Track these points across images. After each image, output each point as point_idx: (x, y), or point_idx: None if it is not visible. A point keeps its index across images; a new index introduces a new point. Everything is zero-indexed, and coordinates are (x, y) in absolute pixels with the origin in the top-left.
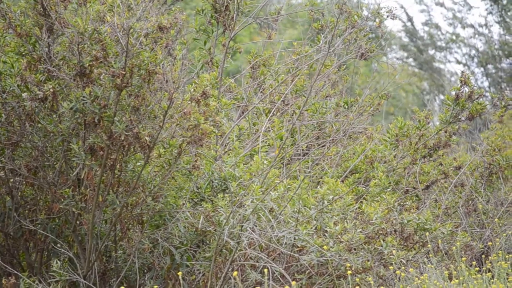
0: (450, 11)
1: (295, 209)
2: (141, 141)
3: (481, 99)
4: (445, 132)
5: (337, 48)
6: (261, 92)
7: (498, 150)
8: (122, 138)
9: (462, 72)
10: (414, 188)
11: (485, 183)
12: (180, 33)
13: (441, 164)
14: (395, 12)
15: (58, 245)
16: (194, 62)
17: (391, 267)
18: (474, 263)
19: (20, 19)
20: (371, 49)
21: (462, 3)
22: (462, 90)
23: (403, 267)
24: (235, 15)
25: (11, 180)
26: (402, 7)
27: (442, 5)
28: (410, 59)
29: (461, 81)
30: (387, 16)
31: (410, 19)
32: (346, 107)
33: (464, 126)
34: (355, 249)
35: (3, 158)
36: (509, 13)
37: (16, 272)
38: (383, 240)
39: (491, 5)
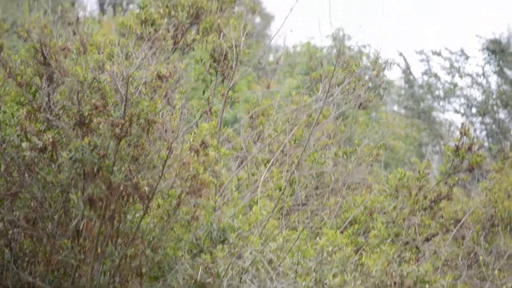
0: (447, 60)
1: (294, 260)
2: (140, 191)
3: (480, 151)
4: (445, 183)
5: (335, 98)
6: (260, 141)
7: (501, 201)
8: (121, 188)
9: (462, 123)
10: (414, 239)
11: (486, 235)
12: (179, 82)
13: (442, 217)
14: (394, 61)
15: None
16: (193, 112)
17: None
18: None
19: (21, 68)
20: (370, 98)
21: (459, 53)
22: (462, 142)
23: None
24: (234, 64)
25: (10, 231)
26: (401, 54)
27: (439, 54)
28: (408, 109)
29: (461, 133)
30: (384, 68)
31: (408, 68)
32: (345, 157)
33: (465, 178)
34: None
35: (2, 209)
36: (507, 64)
37: None
38: None
39: (488, 55)
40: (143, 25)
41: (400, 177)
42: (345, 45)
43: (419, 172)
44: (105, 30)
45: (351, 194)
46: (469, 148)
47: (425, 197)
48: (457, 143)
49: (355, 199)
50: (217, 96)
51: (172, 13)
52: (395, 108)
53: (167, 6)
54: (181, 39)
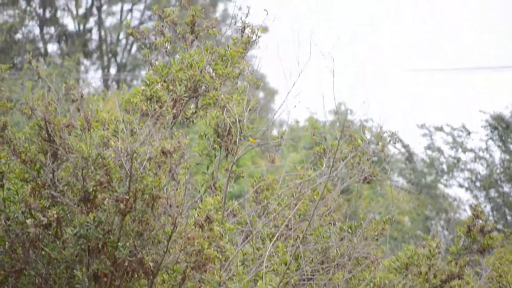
0: (449, 135)
1: None
2: (145, 267)
3: (493, 233)
4: (456, 263)
5: (339, 172)
6: (265, 216)
7: (506, 275)
8: (126, 264)
9: (476, 205)
10: None
11: None
12: (184, 157)
13: None
14: (397, 136)
15: None
16: (197, 187)
17: None
18: None
19: (25, 145)
20: (374, 172)
21: (461, 129)
22: (475, 223)
23: None
24: (237, 139)
25: None
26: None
27: (440, 129)
28: (412, 183)
29: (473, 215)
30: (390, 141)
31: (406, 146)
32: (351, 231)
33: (476, 258)
34: None
35: (6, 287)
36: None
37: None
38: None
39: (491, 131)
40: (148, 102)
41: (410, 255)
42: (348, 120)
43: (429, 250)
44: (110, 106)
45: (357, 269)
46: (481, 230)
47: (435, 276)
48: (469, 224)
49: (364, 275)
50: (221, 171)
51: (170, 87)
52: (399, 181)
53: (165, 81)
54: (179, 113)
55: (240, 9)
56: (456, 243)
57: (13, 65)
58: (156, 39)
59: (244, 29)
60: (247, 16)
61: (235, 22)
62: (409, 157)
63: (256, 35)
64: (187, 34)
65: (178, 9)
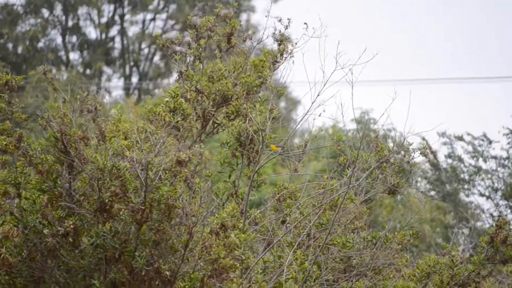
0: (470, 144)
1: None
2: (162, 276)
3: None
4: (478, 274)
5: (362, 182)
6: (287, 224)
7: None
8: (143, 273)
9: (499, 216)
10: None
11: None
12: (200, 166)
13: None
14: (429, 146)
15: None
16: (219, 194)
17: None
18: None
19: (41, 156)
20: (399, 183)
21: (482, 138)
22: (498, 233)
23: None
24: (260, 148)
25: None
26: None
27: (461, 139)
28: (434, 192)
29: (497, 225)
30: (420, 153)
31: (433, 153)
32: (374, 241)
33: (500, 268)
34: None
35: None
36: None
37: None
38: None
39: None
40: (172, 113)
41: (433, 265)
42: (372, 129)
43: (452, 260)
44: (130, 116)
45: (378, 278)
46: (504, 241)
47: (458, 285)
48: (492, 235)
49: (386, 284)
50: (243, 179)
51: (199, 98)
52: (421, 190)
53: (193, 91)
54: (206, 125)
55: (280, 20)
56: (479, 254)
57: (36, 74)
58: (189, 47)
59: (282, 41)
60: (286, 28)
61: (273, 32)
62: (436, 164)
63: (293, 46)
64: (223, 44)
65: (214, 19)
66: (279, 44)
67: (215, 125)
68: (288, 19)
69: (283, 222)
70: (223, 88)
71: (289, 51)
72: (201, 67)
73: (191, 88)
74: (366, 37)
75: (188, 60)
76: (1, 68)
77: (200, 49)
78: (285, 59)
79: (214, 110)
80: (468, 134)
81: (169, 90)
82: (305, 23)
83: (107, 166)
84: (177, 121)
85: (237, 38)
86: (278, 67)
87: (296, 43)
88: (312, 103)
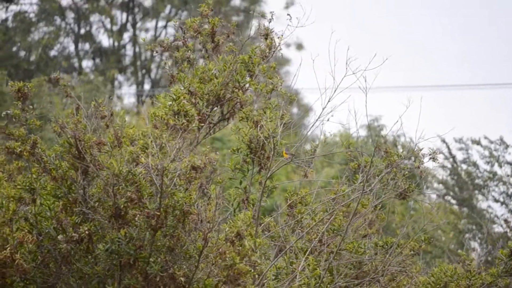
0: (486, 149)
1: None
2: (177, 282)
3: None
4: (496, 286)
5: (374, 187)
6: (299, 230)
7: None
8: (158, 279)
9: None
10: None
11: None
12: (215, 173)
13: None
14: (439, 152)
15: None
16: (230, 200)
17: None
18: None
19: (55, 162)
20: (410, 188)
21: (499, 142)
22: None
23: None
24: (271, 154)
25: None
26: (443, 141)
27: (478, 143)
28: (449, 197)
29: None
30: (430, 158)
31: (452, 156)
32: (386, 246)
33: None
34: None
35: None
36: None
37: None
38: None
39: None
40: (176, 116)
41: (450, 274)
42: (382, 135)
43: (469, 271)
44: (142, 122)
45: (392, 285)
46: None
47: None
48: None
49: None
50: (254, 185)
51: (193, 100)
52: (436, 194)
53: (187, 94)
54: (202, 127)
55: (263, 16)
56: (497, 266)
57: (49, 80)
58: (177, 50)
59: (267, 35)
60: (270, 22)
61: (258, 27)
62: (455, 168)
63: (280, 40)
64: (208, 45)
65: (200, 19)
66: (265, 39)
67: (211, 125)
68: (271, 12)
69: (295, 229)
70: (215, 88)
71: (276, 45)
72: (192, 69)
73: (183, 90)
74: (373, 42)
75: (179, 63)
76: (2, 76)
77: (189, 51)
78: (273, 53)
79: (209, 111)
80: (485, 137)
81: (171, 93)
82: (288, 14)
83: (122, 172)
84: (182, 123)
85: (221, 36)
86: (267, 61)
87: (282, 35)
88: (323, 109)
